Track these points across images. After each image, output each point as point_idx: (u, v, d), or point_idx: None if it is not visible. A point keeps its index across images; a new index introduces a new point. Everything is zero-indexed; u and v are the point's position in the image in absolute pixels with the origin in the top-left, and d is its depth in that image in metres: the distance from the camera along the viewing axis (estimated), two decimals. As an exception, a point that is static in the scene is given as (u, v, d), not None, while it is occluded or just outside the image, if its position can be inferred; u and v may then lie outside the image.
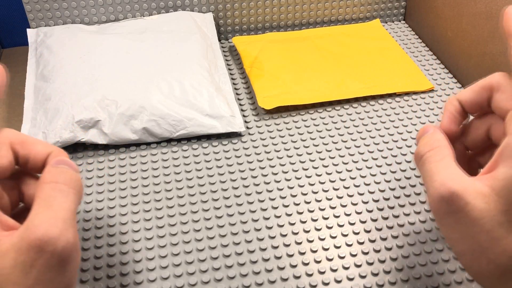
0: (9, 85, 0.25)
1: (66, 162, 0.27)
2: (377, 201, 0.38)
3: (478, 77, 0.48)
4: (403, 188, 0.40)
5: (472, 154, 0.33)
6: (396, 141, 0.44)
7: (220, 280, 0.33)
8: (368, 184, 0.40)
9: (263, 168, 0.41)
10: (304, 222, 0.37)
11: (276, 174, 0.41)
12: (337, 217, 0.37)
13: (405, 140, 0.44)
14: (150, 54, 0.47)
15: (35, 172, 0.28)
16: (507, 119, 0.26)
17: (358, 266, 0.34)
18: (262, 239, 0.36)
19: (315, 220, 0.37)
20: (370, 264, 0.34)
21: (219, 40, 0.58)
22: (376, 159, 0.42)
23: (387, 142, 0.44)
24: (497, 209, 0.25)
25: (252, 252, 0.35)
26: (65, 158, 0.27)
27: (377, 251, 0.35)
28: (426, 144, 0.29)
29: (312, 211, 0.38)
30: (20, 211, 0.29)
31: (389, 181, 0.40)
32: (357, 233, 0.36)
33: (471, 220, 0.25)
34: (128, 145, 0.43)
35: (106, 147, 0.43)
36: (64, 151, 0.28)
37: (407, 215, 0.37)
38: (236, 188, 0.40)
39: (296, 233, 0.36)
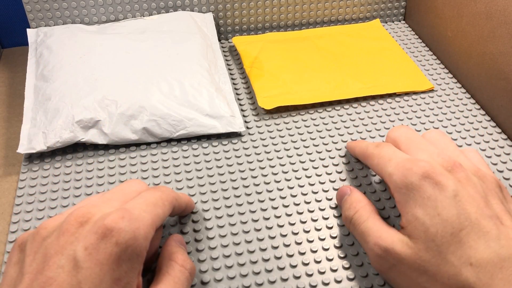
0: (9, 85, 0.25)
1: (183, 242, 0.33)
2: (378, 200, 0.38)
3: (478, 77, 0.48)
4: (403, 188, 0.40)
5: None
6: (396, 141, 0.44)
7: (220, 281, 0.33)
8: (369, 184, 0.40)
9: (263, 168, 0.41)
10: (304, 222, 0.37)
11: (276, 174, 0.41)
12: (337, 217, 0.37)
13: (405, 140, 0.44)
14: (150, 54, 0.47)
15: None
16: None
17: (359, 266, 0.34)
18: (262, 239, 0.36)
19: (315, 220, 0.37)
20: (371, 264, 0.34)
21: (219, 40, 0.58)
22: (376, 159, 0.42)
23: (387, 142, 0.44)
24: (419, 249, 0.28)
25: (252, 252, 0.35)
26: (182, 238, 0.33)
27: (377, 251, 0.35)
28: (350, 208, 0.34)
29: (312, 211, 0.38)
30: None
31: (389, 181, 0.40)
32: (357, 233, 0.36)
33: (407, 267, 0.29)
34: (128, 145, 0.43)
35: (106, 147, 0.43)
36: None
37: (407, 215, 0.37)
38: (236, 188, 0.39)
39: (296, 233, 0.36)
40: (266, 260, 0.34)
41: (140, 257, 0.26)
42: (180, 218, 0.37)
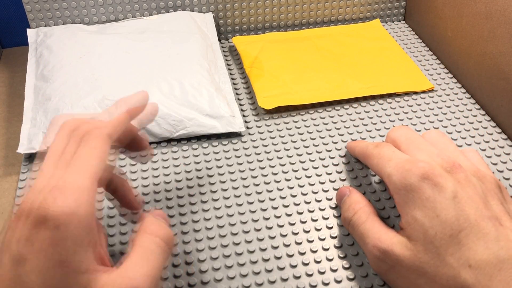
0: (9, 85, 0.25)
1: (165, 217, 0.29)
2: (378, 201, 0.38)
3: (478, 77, 0.48)
4: (403, 188, 0.40)
5: None
6: (396, 141, 0.44)
7: (220, 281, 0.33)
8: (369, 184, 0.40)
9: (263, 168, 0.41)
10: (304, 222, 0.37)
11: (276, 174, 0.41)
12: (337, 217, 0.37)
13: (405, 140, 0.44)
14: (150, 54, 0.47)
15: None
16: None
17: (359, 266, 0.34)
18: (262, 239, 0.36)
19: (315, 220, 0.37)
20: (370, 264, 0.34)
21: (219, 40, 0.58)
22: (376, 159, 0.42)
23: (387, 142, 0.44)
24: (418, 251, 0.28)
25: (252, 252, 0.35)
26: (164, 213, 0.29)
27: (377, 251, 0.35)
28: (349, 209, 0.34)
29: (312, 211, 0.38)
30: None
31: (389, 181, 0.40)
32: (357, 233, 0.36)
33: (406, 269, 0.29)
34: (128, 145, 0.43)
35: (106, 147, 0.43)
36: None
37: (407, 215, 0.37)
38: (236, 188, 0.39)
39: (296, 233, 0.36)
40: (266, 260, 0.34)
41: (87, 229, 0.24)
42: (180, 218, 0.37)
